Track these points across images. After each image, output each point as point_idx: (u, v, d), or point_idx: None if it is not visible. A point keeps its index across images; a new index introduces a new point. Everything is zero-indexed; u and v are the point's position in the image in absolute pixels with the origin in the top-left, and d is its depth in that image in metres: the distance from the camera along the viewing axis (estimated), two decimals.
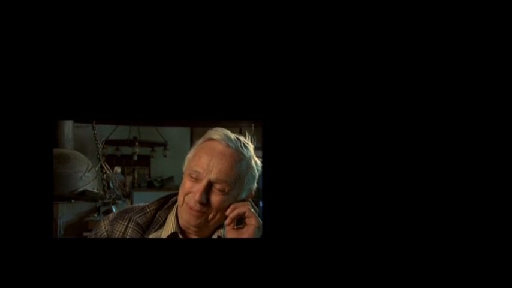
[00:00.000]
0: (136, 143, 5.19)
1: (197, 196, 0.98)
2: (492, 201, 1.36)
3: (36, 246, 1.30)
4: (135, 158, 5.31)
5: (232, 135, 1.03)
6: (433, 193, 1.38)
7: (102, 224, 1.11)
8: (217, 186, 0.99)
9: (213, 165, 0.99)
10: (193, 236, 1.07)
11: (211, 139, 1.03)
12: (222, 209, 1.01)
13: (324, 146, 1.39)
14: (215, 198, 1.00)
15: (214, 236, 1.07)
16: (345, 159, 1.39)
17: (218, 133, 1.03)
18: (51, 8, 1.34)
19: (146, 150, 5.61)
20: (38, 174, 1.31)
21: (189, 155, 1.04)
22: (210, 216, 1.01)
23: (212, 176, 0.99)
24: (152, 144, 5.46)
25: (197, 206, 0.99)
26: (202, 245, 1.29)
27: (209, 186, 0.99)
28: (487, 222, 1.36)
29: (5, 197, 1.29)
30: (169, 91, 1.39)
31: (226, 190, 1.00)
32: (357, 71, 1.40)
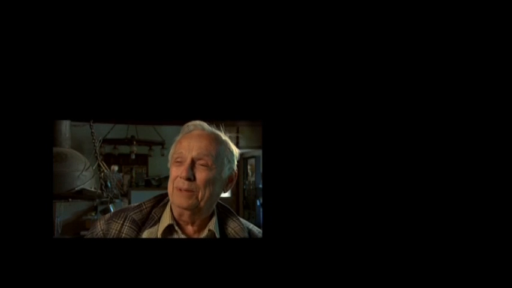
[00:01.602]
0: (134, 142, 5.20)
1: (184, 173, 1.04)
2: (492, 201, 1.37)
3: (36, 245, 1.31)
4: (133, 156, 5.32)
5: (206, 123, 1.12)
6: (432, 193, 1.38)
7: (99, 223, 1.13)
8: (201, 161, 1.06)
9: (192, 145, 1.07)
10: (188, 226, 1.10)
11: (188, 131, 1.11)
12: (210, 186, 1.07)
13: (324, 146, 1.39)
14: (201, 174, 1.05)
15: (206, 229, 1.10)
16: (344, 159, 1.39)
17: (193, 123, 1.11)
18: (50, 8, 1.34)
19: (144, 149, 5.62)
20: (37, 174, 1.31)
21: (171, 150, 1.12)
22: (200, 195, 1.06)
23: (194, 153, 1.06)
24: (150, 143, 5.47)
25: (185, 184, 1.04)
26: (202, 245, 1.30)
27: (193, 163, 1.06)
28: (487, 221, 1.36)
29: (5, 197, 1.29)
30: (168, 91, 1.40)
31: (209, 164, 1.06)
32: (356, 71, 1.41)
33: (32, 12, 1.34)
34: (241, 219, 1.17)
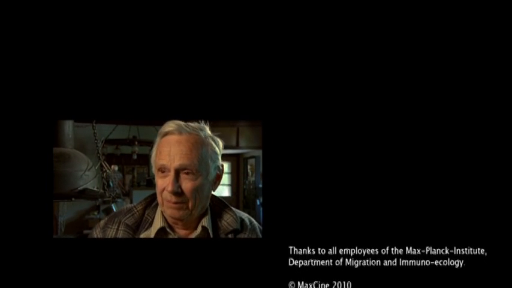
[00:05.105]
0: (136, 142, 5.21)
1: (170, 187, 1.00)
2: (492, 201, 1.38)
3: (36, 245, 1.31)
4: (135, 157, 5.33)
5: (182, 123, 1.07)
6: (433, 194, 1.39)
7: (95, 232, 1.12)
8: (185, 171, 1.02)
9: (173, 154, 1.02)
10: (181, 229, 1.09)
11: (165, 134, 1.06)
12: (199, 194, 1.03)
13: (324, 146, 1.40)
14: (187, 185, 1.02)
15: (199, 226, 1.08)
16: (345, 159, 1.40)
17: (169, 125, 1.06)
18: (51, 8, 1.35)
19: (145, 149, 5.63)
20: (38, 174, 1.32)
21: (153, 156, 1.08)
22: (190, 205, 1.03)
23: (176, 164, 1.01)
24: (151, 144, 5.47)
25: (173, 198, 1.01)
26: (202, 245, 1.30)
27: (177, 174, 1.01)
28: (487, 223, 1.37)
29: (5, 196, 1.31)
30: (169, 91, 1.40)
31: (194, 172, 1.02)
32: (357, 71, 1.42)
33: (34, 11, 1.35)
34: (236, 210, 1.15)
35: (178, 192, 1.01)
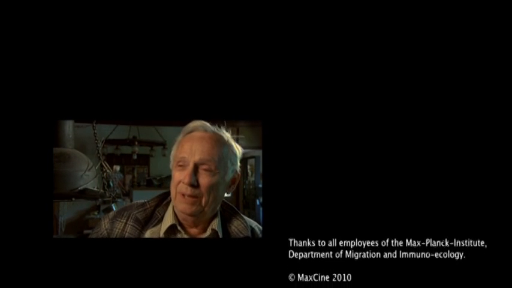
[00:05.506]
0: (136, 143, 5.23)
1: (187, 179, 1.01)
2: (492, 194, 1.38)
3: (37, 244, 1.32)
4: (135, 157, 5.35)
5: (208, 123, 1.09)
6: (433, 186, 1.39)
7: (103, 222, 1.13)
8: (204, 166, 1.03)
9: (195, 149, 1.03)
10: (191, 227, 1.09)
11: (190, 131, 1.07)
12: (214, 191, 1.04)
13: (324, 146, 1.40)
14: (204, 180, 1.02)
15: (209, 228, 1.08)
16: (345, 159, 1.40)
17: (194, 124, 1.08)
18: (51, 7, 1.36)
19: (145, 150, 5.65)
20: (38, 174, 1.32)
21: (173, 152, 1.09)
22: (204, 201, 1.03)
23: (196, 158, 1.02)
24: (151, 144, 5.50)
25: (189, 190, 1.01)
26: (202, 245, 1.31)
27: (196, 168, 1.02)
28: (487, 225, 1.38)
29: (5, 196, 1.31)
30: (169, 91, 1.41)
31: (213, 169, 1.03)
32: (357, 71, 1.42)
33: (34, 11, 1.35)
34: (245, 217, 1.16)
35: (194, 185, 1.01)
